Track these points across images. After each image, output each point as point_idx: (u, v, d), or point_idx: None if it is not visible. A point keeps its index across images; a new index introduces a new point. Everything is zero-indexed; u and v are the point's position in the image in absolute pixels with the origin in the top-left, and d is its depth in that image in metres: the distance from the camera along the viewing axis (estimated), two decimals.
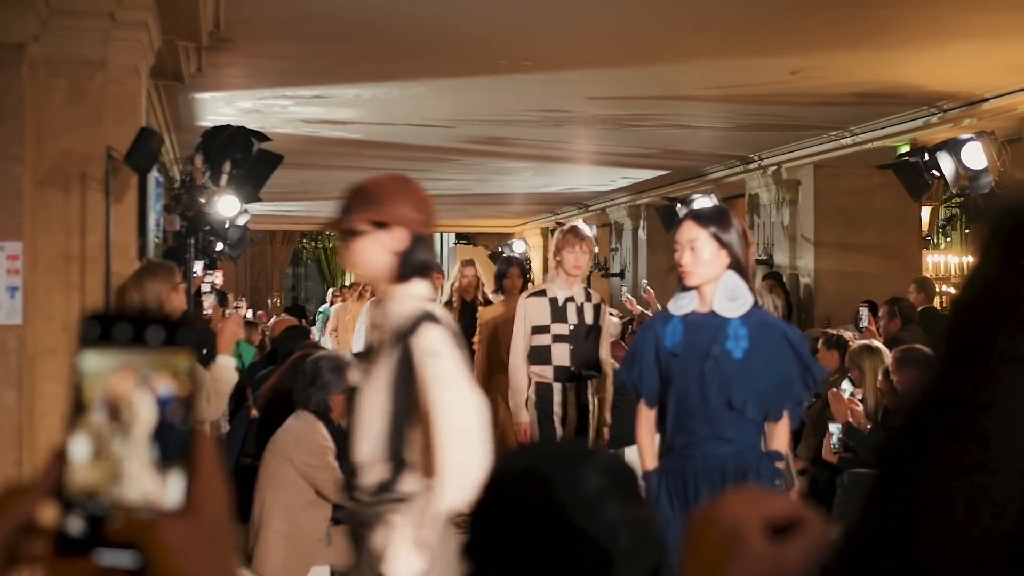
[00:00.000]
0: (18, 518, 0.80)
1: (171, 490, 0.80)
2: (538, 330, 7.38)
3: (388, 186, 3.73)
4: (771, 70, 9.04)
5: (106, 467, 0.80)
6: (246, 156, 8.73)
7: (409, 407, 3.41)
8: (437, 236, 28.96)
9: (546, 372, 7.38)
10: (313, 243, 31.14)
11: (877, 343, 8.01)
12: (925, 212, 14.52)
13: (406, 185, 3.77)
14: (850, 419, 7.08)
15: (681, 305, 4.78)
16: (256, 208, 11.73)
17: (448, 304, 10.07)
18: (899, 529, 0.73)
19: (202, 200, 9.26)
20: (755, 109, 10.72)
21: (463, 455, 3.30)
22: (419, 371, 3.39)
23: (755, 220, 13.99)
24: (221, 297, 11.95)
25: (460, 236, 27.11)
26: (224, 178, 8.76)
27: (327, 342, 15.77)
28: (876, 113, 10.87)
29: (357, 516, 3.67)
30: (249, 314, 17.27)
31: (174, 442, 0.81)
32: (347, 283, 27.65)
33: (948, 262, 16.30)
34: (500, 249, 21.89)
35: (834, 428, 7.21)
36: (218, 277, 13.02)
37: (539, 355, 7.38)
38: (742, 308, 4.66)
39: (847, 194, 13.00)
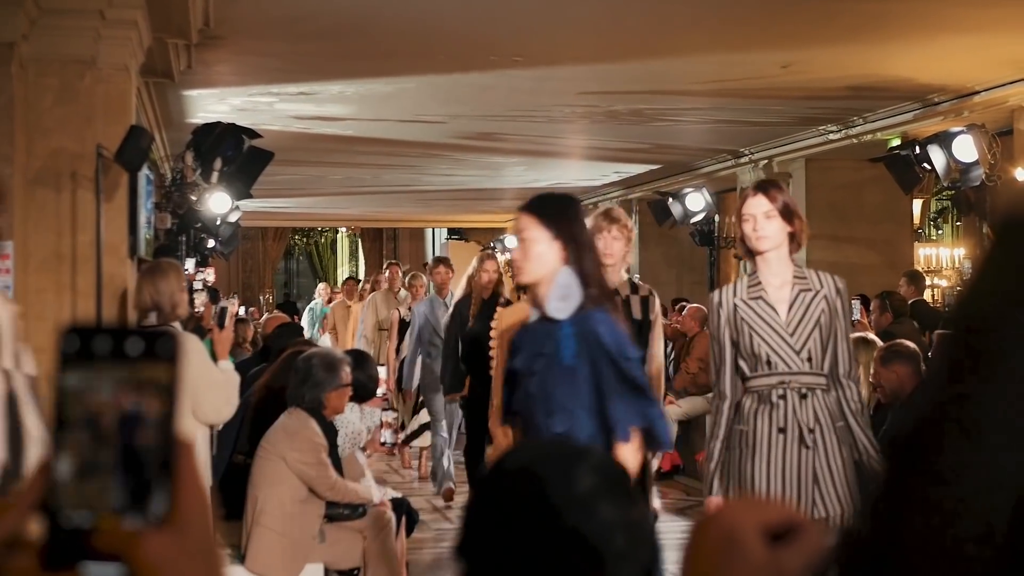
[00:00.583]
0: (2, 532, 0.80)
1: (155, 503, 0.80)
2: None
3: None
4: (761, 64, 9.04)
5: (90, 481, 0.80)
6: (237, 153, 8.73)
7: None
8: (428, 232, 28.99)
9: None
10: (305, 239, 31.11)
11: (873, 336, 8.02)
12: (916, 205, 14.56)
13: None
14: None
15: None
16: (247, 205, 11.74)
17: (464, 301, 8.99)
18: (892, 536, 0.73)
19: (193, 197, 9.27)
20: (746, 103, 10.73)
21: None
22: None
23: None
24: (213, 294, 11.94)
25: (452, 232, 27.12)
26: (215, 175, 8.77)
27: (326, 340, 15.73)
28: (867, 107, 10.89)
29: None
30: (241, 311, 17.24)
31: (156, 455, 0.80)
32: (340, 281, 27.68)
33: (939, 254, 16.33)
34: (492, 244, 21.91)
35: None
36: (210, 274, 13.01)
37: None
38: (570, 309, 4.09)
39: (838, 187, 13.03)
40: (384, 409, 7.97)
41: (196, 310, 8.76)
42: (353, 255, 31.59)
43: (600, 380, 4.04)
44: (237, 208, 10.93)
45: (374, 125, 12.02)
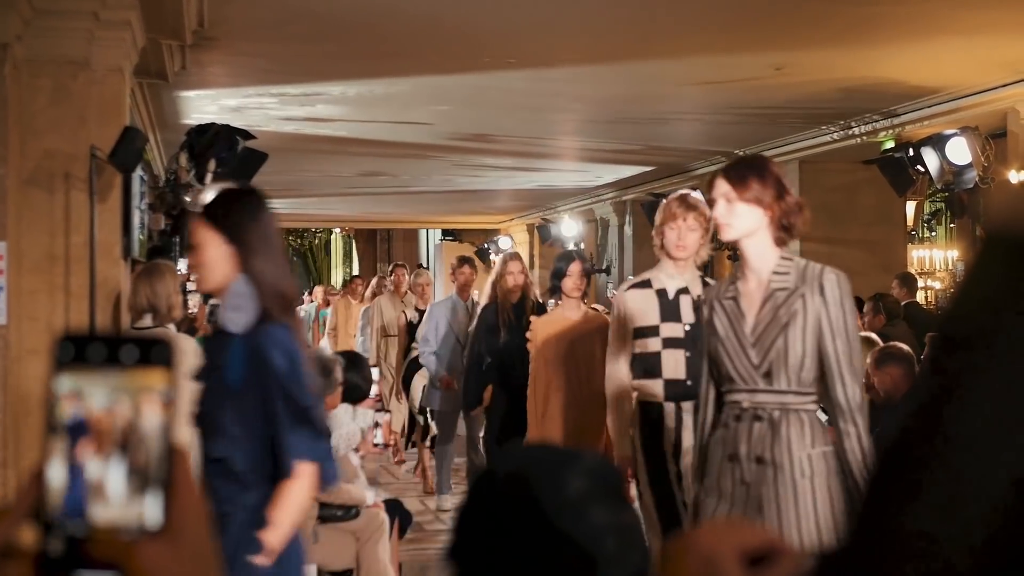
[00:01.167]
0: None
1: (150, 510, 0.80)
2: (643, 333, 5.60)
3: None
4: (755, 66, 9.05)
5: (84, 489, 0.80)
6: (231, 154, 8.72)
7: None
8: (423, 233, 28.97)
9: (654, 388, 5.58)
10: (299, 240, 31.09)
11: (874, 336, 8.02)
12: (910, 207, 14.55)
13: None
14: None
15: None
16: None
17: (490, 308, 8.41)
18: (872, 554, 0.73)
19: (187, 198, 9.25)
20: (739, 105, 10.74)
21: None
22: None
23: None
24: (206, 295, 11.92)
25: (446, 233, 27.11)
26: (209, 176, 8.75)
27: (325, 342, 15.66)
28: (860, 109, 10.90)
29: None
30: None
31: (151, 463, 0.80)
32: (335, 281, 27.64)
33: (933, 256, 16.33)
34: (486, 245, 21.90)
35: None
36: None
37: (644, 366, 5.60)
38: (243, 322, 3.55)
39: (832, 190, 13.03)
40: (377, 410, 7.96)
41: (190, 311, 8.76)
42: (347, 256, 31.57)
43: (268, 406, 3.51)
44: None
45: (368, 126, 12.02)
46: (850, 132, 11.65)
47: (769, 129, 12.19)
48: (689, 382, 5.40)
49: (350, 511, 6.11)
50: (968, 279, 0.76)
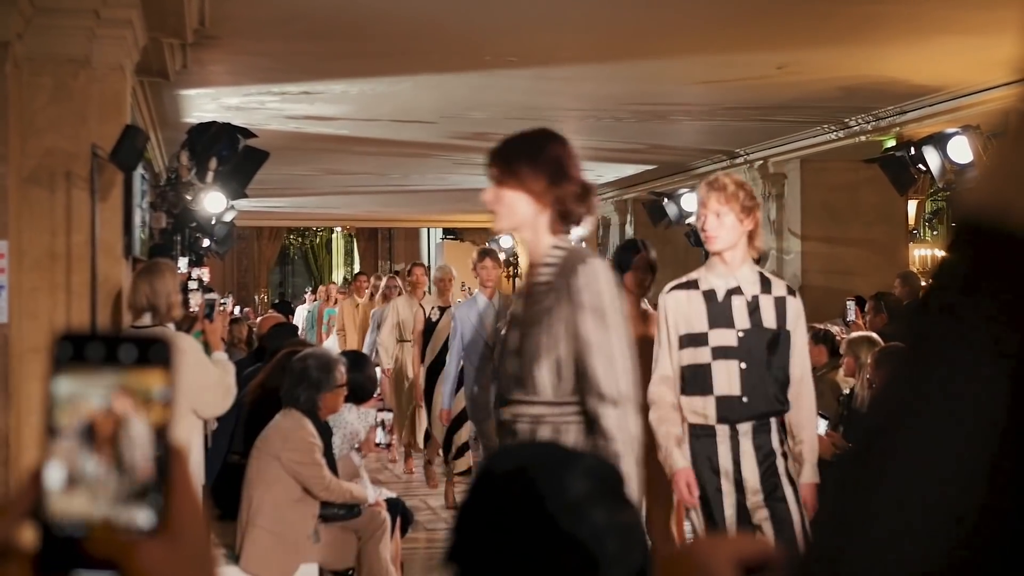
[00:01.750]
0: None
1: (149, 511, 0.80)
2: (690, 341, 4.72)
3: None
4: (757, 65, 9.05)
5: (83, 489, 0.80)
6: (232, 153, 8.72)
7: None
8: (424, 232, 28.97)
9: (705, 407, 4.69)
10: (300, 239, 31.10)
11: (875, 336, 8.02)
12: (912, 206, 14.56)
13: None
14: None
15: None
16: (242, 204, 11.71)
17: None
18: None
19: (188, 197, 9.26)
20: (741, 104, 10.74)
21: None
22: None
23: None
24: (207, 292, 11.91)
25: (447, 231, 27.10)
26: (210, 175, 8.76)
27: (334, 342, 15.44)
28: (862, 108, 10.90)
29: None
30: (236, 311, 17.17)
31: (150, 462, 0.80)
32: (339, 279, 27.63)
33: (935, 255, 16.34)
34: (488, 244, 21.89)
35: (821, 424, 7.21)
36: (205, 274, 12.99)
37: (693, 380, 4.71)
38: None
39: (833, 188, 13.03)
40: (380, 410, 7.96)
41: (191, 309, 8.75)
42: (348, 255, 31.58)
43: None
44: (232, 208, 10.92)
45: (369, 125, 12.02)
46: (851, 131, 11.65)
47: (771, 128, 12.19)
48: (745, 399, 4.61)
49: (352, 510, 6.11)
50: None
